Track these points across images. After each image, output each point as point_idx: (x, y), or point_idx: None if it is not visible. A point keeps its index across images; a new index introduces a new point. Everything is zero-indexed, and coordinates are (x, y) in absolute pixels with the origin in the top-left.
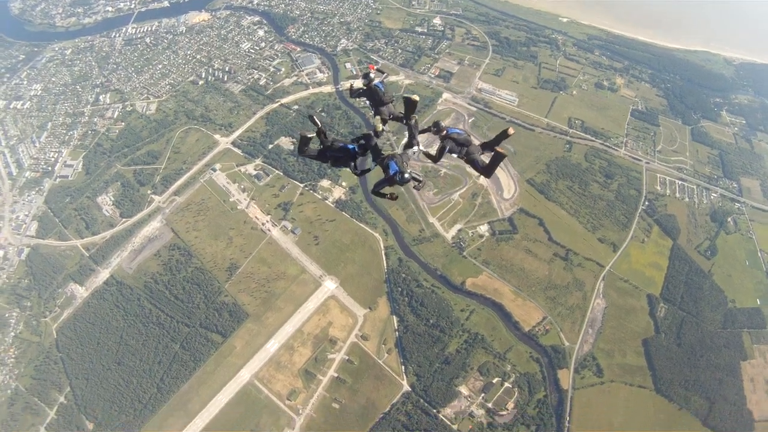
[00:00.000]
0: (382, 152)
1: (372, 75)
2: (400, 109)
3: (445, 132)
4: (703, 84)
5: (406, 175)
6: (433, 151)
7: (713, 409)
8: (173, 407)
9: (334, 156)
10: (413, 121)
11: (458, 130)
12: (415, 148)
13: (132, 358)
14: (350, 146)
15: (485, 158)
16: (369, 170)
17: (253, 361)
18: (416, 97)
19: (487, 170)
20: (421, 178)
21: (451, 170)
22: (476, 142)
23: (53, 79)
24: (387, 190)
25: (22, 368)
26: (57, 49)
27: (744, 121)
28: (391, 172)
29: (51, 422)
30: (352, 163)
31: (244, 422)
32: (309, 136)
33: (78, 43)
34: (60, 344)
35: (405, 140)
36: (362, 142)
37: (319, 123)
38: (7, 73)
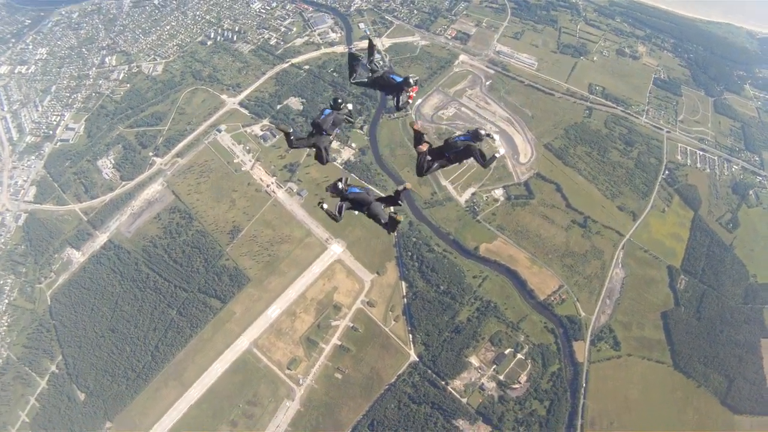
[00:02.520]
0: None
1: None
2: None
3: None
4: (726, 56)
5: (411, 80)
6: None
7: (732, 387)
8: (167, 376)
9: (385, 85)
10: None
11: (357, 189)
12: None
13: (126, 324)
14: (398, 78)
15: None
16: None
17: (252, 327)
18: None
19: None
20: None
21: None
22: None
23: (59, 42)
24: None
25: (14, 336)
26: (63, 12)
27: (767, 96)
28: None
29: (42, 392)
30: (399, 95)
31: (240, 392)
32: (288, 131)
33: (85, 6)
34: (54, 311)
35: None
36: (408, 79)
37: (288, 129)
38: (12, 38)
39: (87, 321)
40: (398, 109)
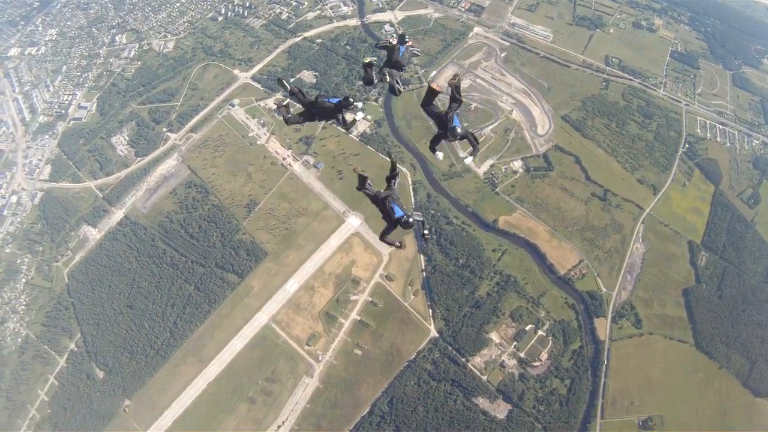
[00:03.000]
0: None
1: (406, 39)
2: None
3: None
4: (744, 30)
5: (411, 220)
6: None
7: (754, 369)
8: (186, 353)
9: (320, 111)
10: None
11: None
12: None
13: (144, 301)
14: (333, 100)
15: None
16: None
17: (271, 302)
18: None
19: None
20: (423, 222)
21: (482, 104)
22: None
23: (68, 23)
24: (395, 236)
25: (33, 315)
26: None
27: None
28: (396, 216)
29: (61, 371)
30: (339, 116)
31: (259, 369)
32: (284, 103)
33: None
34: (71, 289)
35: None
36: (348, 98)
37: (288, 86)
38: (21, 20)
39: (105, 298)
40: (346, 128)
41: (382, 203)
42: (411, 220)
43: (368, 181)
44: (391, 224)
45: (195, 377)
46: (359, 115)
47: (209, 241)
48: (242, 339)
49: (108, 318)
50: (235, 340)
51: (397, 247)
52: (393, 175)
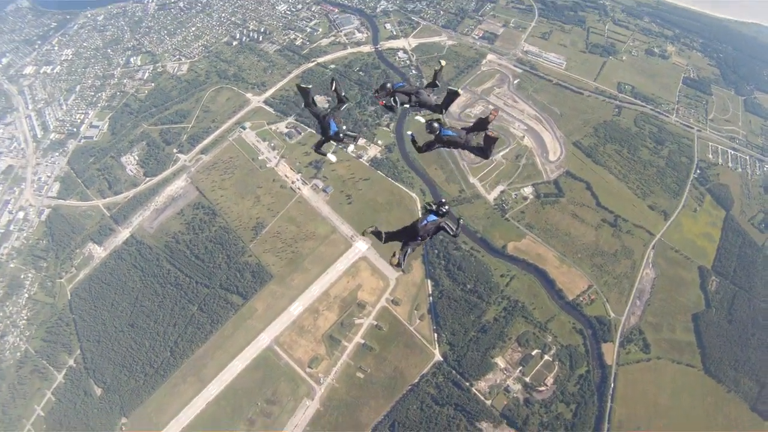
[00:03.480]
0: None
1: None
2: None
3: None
4: (755, 56)
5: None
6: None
7: (762, 392)
8: (186, 372)
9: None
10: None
11: (402, 83)
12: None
13: (146, 320)
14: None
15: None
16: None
17: (274, 324)
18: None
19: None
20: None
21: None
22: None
23: (84, 44)
24: (393, 261)
25: (33, 330)
26: (89, 15)
27: None
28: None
29: (58, 386)
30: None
31: (260, 390)
32: (306, 86)
33: (110, 9)
34: (73, 306)
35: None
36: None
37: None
38: (38, 40)
39: (106, 316)
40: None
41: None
42: (341, 135)
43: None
44: (325, 138)
45: (194, 397)
46: (333, 157)
47: (215, 262)
48: (243, 360)
49: (109, 335)
50: (236, 361)
51: (395, 266)
52: (340, 98)
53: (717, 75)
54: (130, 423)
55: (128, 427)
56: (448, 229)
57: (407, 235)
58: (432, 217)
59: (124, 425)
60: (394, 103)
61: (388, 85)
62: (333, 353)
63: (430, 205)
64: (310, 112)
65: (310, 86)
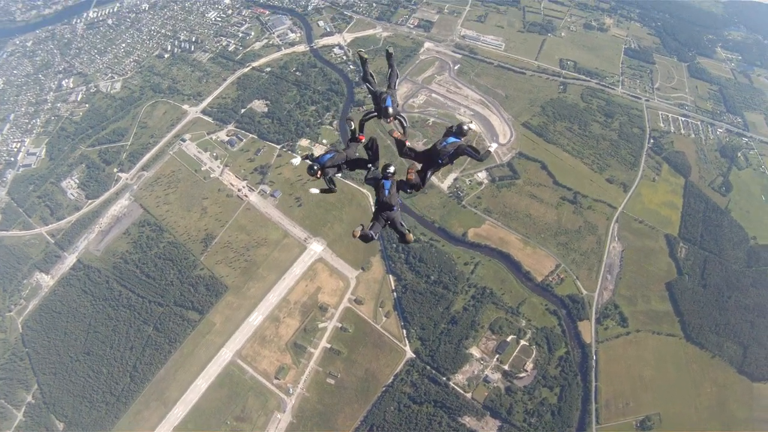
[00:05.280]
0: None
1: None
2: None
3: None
4: (693, 21)
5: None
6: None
7: (747, 354)
8: (148, 397)
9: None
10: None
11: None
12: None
13: (102, 346)
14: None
15: None
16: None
17: (234, 337)
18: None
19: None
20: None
21: (440, 118)
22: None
23: (15, 71)
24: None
25: None
26: (18, 42)
27: (740, 57)
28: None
29: (19, 425)
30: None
31: (227, 408)
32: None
33: (39, 34)
34: (26, 339)
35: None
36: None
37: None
38: None
39: (60, 346)
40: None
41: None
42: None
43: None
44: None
45: (159, 422)
46: (296, 161)
47: (166, 279)
48: (207, 378)
49: (65, 366)
50: (200, 380)
51: (360, 237)
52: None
53: (658, 44)
54: None
55: None
56: (471, 153)
57: (427, 160)
58: (452, 139)
59: None
60: (330, 185)
61: (315, 167)
62: (299, 361)
63: (451, 129)
64: (366, 85)
65: (367, 56)
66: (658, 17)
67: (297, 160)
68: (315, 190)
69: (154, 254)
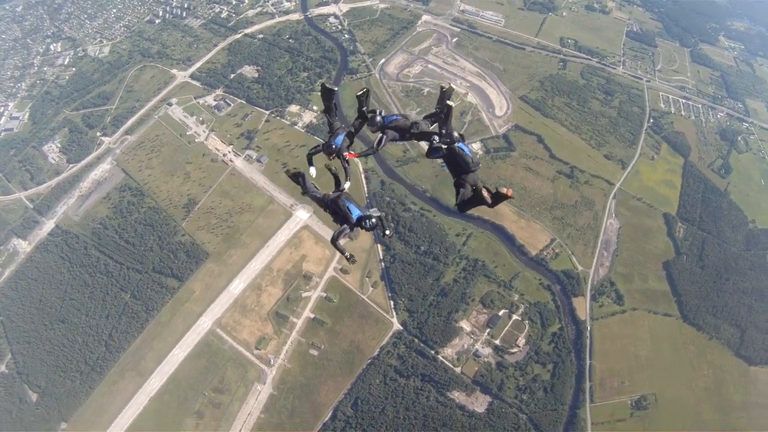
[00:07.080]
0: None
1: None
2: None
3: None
4: (696, 10)
5: (373, 220)
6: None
7: (744, 337)
8: (124, 367)
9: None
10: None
11: (395, 116)
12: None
13: (77, 314)
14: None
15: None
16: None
17: (214, 306)
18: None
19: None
20: (383, 219)
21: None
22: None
23: (2, 36)
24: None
25: None
26: (8, 7)
27: (743, 47)
28: (356, 217)
29: None
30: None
31: (205, 379)
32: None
33: None
34: (0, 307)
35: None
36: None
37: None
38: None
39: (35, 314)
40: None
41: (333, 205)
42: (373, 220)
43: (306, 179)
44: (348, 226)
45: (135, 393)
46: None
47: (146, 245)
48: (184, 348)
49: (39, 335)
50: (177, 350)
51: (348, 259)
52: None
53: (660, 28)
54: (70, 427)
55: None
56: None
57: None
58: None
59: (64, 430)
60: (377, 145)
61: (378, 118)
62: (281, 331)
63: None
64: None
65: (336, 89)
66: (661, 3)
67: (313, 171)
68: (313, 172)
69: (134, 220)
